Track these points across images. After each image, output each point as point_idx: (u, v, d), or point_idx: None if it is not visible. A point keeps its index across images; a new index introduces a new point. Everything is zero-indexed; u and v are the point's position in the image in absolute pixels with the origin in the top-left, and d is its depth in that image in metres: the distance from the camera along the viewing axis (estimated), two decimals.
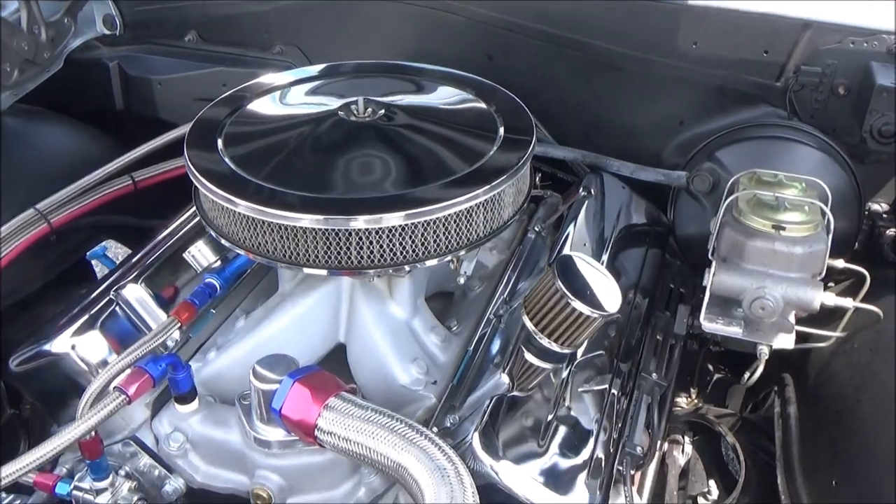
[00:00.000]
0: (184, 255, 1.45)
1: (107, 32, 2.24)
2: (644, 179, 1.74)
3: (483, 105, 1.56)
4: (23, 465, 1.15)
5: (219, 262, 1.46)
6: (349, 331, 1.45)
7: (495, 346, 1.41)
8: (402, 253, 1.28)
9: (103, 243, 1.98)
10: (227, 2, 2.14)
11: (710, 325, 1.38)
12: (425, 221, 1.26)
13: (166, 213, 1.64)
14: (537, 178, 1.84)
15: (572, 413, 1.36)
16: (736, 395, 1.77)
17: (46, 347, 1.37)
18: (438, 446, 1.11)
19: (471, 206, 1.29)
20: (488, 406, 1.25)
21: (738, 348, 1.50)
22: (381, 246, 1.27)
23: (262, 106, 1.56)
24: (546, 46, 1.90)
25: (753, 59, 1.78)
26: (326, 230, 1.24)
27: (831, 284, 1.58)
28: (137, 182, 1.89)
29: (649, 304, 1.61)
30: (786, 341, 1.35)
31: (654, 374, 1.49)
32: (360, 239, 1.26)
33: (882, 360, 1.34)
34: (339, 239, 1.25)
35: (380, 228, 1.25)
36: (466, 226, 1.31)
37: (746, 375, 1.39)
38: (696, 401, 1.77)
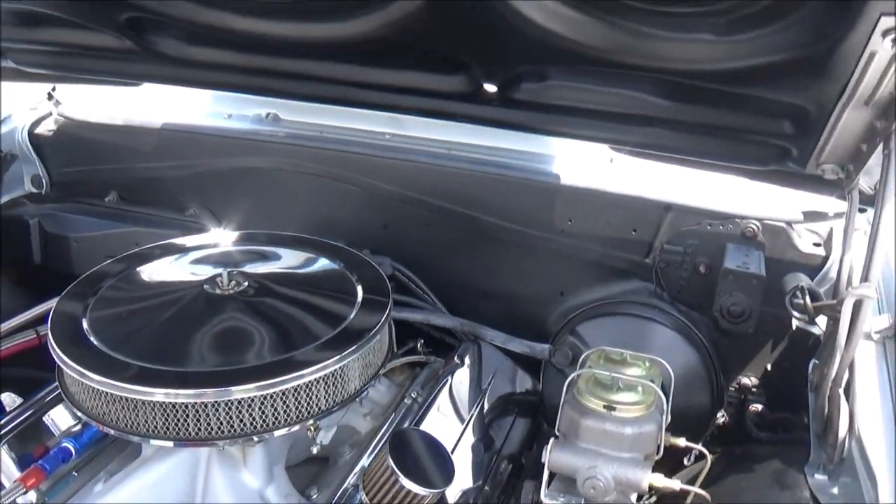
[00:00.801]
0: (43, 419, 1.49)
1: (34, 191, 2.36)
2: (512, 350, 1.81)
3: (346, 274, 1.64)
4: None
5: (78, 426, 1.50)
6: (204, 498, 1.47)
7: None
8: (248, 423, 1.33)
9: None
10: (147, 165, 2.27)
11: (550, 502, 1.41)
12: (270, 394, 1.32)
13: None
14: (419, 344, 1.92)
15: None
16: None
17: None
18: None
19: (312, 380, 1.35)
20: None
21: None
22: (229, 417, 1.32)
23: (134, 277, 1.64)
24: (436, 218, 2.01)
25: (624, 236, 1.89)
26: (168, 403, 1.30)
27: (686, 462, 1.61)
28: (41, 336, 1.95)
29: (511, 473, 1.64)
30: None
31: None
32: (205, 411, 1.31)
33: None
34: (182, 411, 1.31)
35: (226, 401, 1.30)
36: (307, 398, 1.36)
37: None
38: None
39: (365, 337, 1.44)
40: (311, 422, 1.40)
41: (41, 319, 1.93)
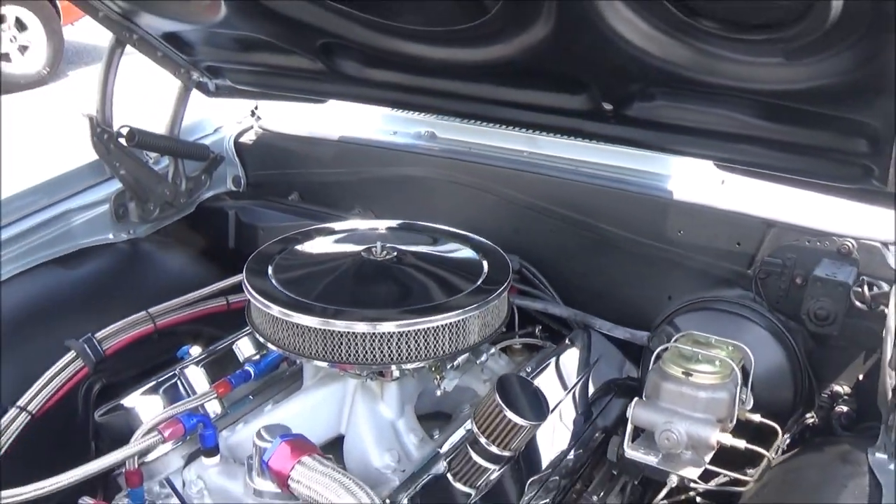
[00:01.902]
0: (232, 348, 1.90)
1: (233, 189, 2.86)
2: (616, 336, 2.06)
3: (475, 256, 1.97)
4: (81, 473, 1.58)
5: (258, 356, 1.90)
6: (348, 423, 1.83)
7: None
8: (387, 355, 1.67)
9: (190, 347, 2.47)
10: (324, 171, 2.71)
11: (632, 452, 1.66)
12: (405, 332, 1.66)
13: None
14: (538, 330, 2.21)
15: None
16: None
17: (122, 402, 1.84)
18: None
19: (439, 326, 1.68)
20: (422, 482, 1.57)
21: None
22: (372, 348, 1.66)
23: (309, 245, 2.05)
24: (560, 225, 2.31)
25: (729, 249, 2.11)
26: (327, 331, 1.66)
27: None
28: (231, 304, 2.39)
29: (602, 441, 1.88)
30: (691, 473, 1.60)
31: (594, 497, 1.76)
32: (354, 340, 1.66)
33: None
34: (337, 339, 1.67)
35: (371, 333, 1.65)
36: (434, 341, 1.69)
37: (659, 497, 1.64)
38: None
39: (484, 300, 1.75)
40: (431, 361, 1.71)
41: (231, 290, 2.38)
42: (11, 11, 8.69)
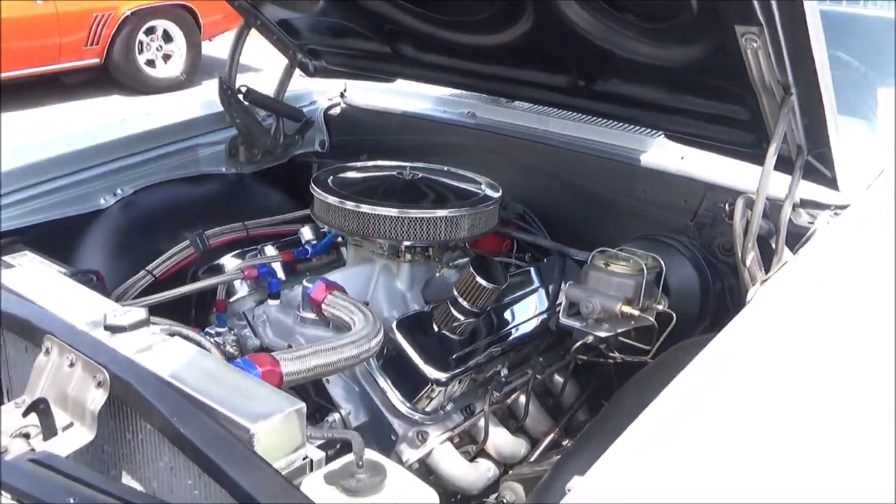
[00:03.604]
0: (299, 233, 2.68)
1: (318, 150, 3.68)
2: (580, 259, 2.72)
3: (479, 188, 2.69)
4: (188, 289, 2.38)
5: (314, 241, 2.67)
6: (372, 293, 2.57)
7: None
8: (400, 235, 2.40)
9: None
10: (387, 138, 3.49)
11: (565, 320, 2.32)
12: (411, 218, 2.39)
13: None
14: (527, 256, 2.90)
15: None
16: None
17: (218, 262, 2.64)
18: (375, 324, 2.17)
19: (437, 217, 2.40)
20: (409, 314, 2.30)
21: None
22: (390, 228, 2.40)
23: (362, 169, 2.82)
24: (557, 183, 3.00)
25: (678, 205, 2.74)
26: (360, 212, 2.41)
27: None
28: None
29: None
30: (603, 333, 2.25)
31: (541, 358, 2.44)
32: (383, 221, 2.40)
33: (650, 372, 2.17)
34: (371, 220, 2.41)
35: (390, 216, 2.39)
36: (433, 229, 2.41)
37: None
38: None
39: (473, 208, 2.47)
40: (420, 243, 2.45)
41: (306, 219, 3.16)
42: (161, 24, 10.02)
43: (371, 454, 1.57)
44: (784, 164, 2.37)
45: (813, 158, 2.28)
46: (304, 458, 1.65)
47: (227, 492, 1.44)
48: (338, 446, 1.75)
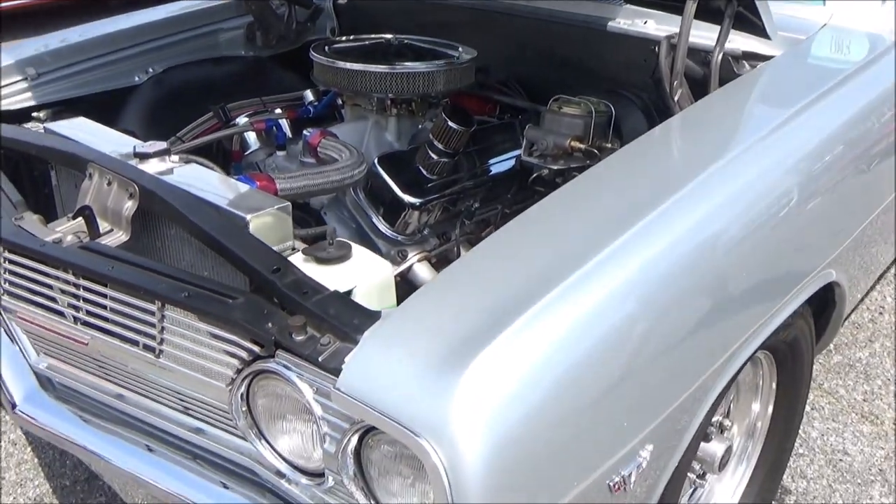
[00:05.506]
0: (303, 94, 3.09)
1: (330, 37, 4.04)
2: None
3: (459, 50, 3.05)
4: (210, 137, 2.81)
5: (316, 102, 3.08)
6: (366, 145, 2.96)
7: None
8: (385, 88, 2.78)
9: None
10: (395, 21, 3.83)
11: (526, 157, 2.69)
12: (390, 74, 2.77)
13: None
14: (507, 117, 3.26)
15: None
16: None
17: (234, 122, 3.07)
18: (359, 157, 2.57)
19: (414, 72, 2.77)
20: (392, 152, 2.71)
21: None
22: (377, 82, 2.78)
23: (356, 40, 3.20)
24: (536, 53, 3.33)
25: (639, 63, 3.06)
26: (353, 70, 2.79)
27: None
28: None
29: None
30: (556, 166, 2.62)
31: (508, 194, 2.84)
32: (371, 77, 2.78)
33: None
34: (360, 75, 2.79)
35: (377, 73, 2.77)
36: (413, 83, 2.78)
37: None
38: None
39: (448, 65, 2.83)
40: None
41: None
42: None
43: (340, 238, 2.00)
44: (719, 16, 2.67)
45: (744, 9, 2.58)
46: (291, 249, 2.09)
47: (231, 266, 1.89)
48: None
